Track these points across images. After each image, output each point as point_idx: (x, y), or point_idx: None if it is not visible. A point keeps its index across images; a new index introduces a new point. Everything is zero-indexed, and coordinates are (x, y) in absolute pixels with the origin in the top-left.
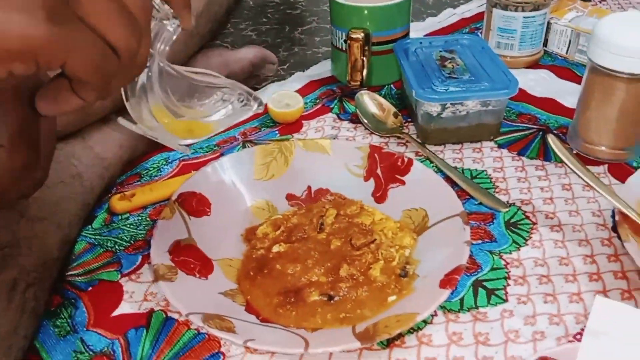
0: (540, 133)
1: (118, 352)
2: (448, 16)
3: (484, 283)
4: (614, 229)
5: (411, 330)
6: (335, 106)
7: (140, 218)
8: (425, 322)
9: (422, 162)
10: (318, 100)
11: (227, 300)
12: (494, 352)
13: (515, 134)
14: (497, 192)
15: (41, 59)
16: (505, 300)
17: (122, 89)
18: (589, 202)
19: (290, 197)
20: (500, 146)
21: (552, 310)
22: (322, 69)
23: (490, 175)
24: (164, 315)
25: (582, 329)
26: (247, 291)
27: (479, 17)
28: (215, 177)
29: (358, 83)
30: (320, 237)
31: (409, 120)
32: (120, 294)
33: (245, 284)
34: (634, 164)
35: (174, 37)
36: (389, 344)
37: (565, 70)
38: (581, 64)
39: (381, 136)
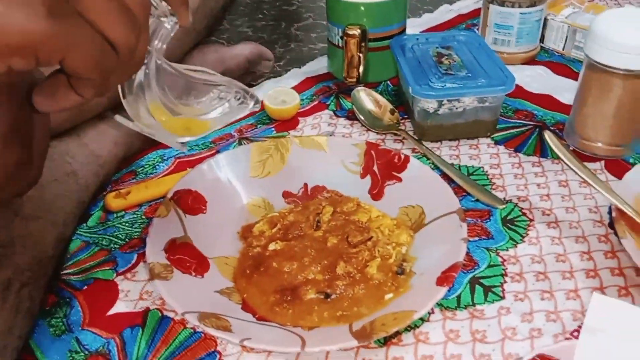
0: (537, 129)
1: (114, 352)
2: (445, 12)
3: (481, 280)
4: (611, 225)
5: (408, 328)
6: (332, 103)
7: (135, 216)
8: (422, 319)
9: (418, 158)
10: (314, 97)
11: (223, 299)
12: (491, 349)
13: (511, 131)
14: (493, 189)
15: (41, 54)
16: (502, 298)
17: (120, 87)
18: (585, 198)
19: (286, 195)
20: (497, 143)
21: (549, 307)
22: (319, 65)
23: (487, 171)
24: (160, 314)
25: (579, 326)
26: (243, 289)
27: (475, 13)
28: (211, 174)
29: (354, 79)
30: (316, 235)
31: (406, 116)
32: (116, 293)
33: (242, 282)
34: (631, 160)
35: (172, 34)
36: (386, 342)
37: (562, 66)
38: (578, 60)
39: (378, 133)
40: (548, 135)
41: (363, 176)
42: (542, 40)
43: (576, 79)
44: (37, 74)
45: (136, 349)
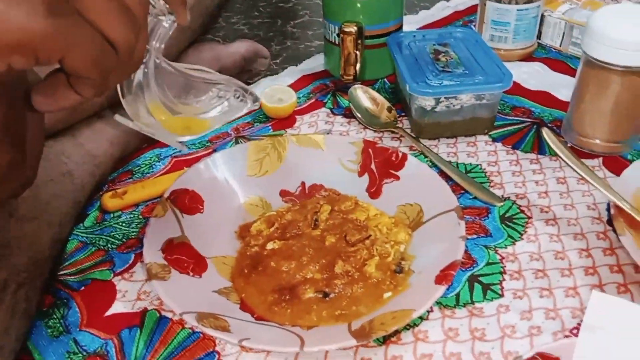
0: (535, 126)
1: (112, 353)
2: (441, 9)
3: (480, 278)
4: (609, 222)
5: (407, 327)
6: (329, 101)
7: (132, 216)
8: (421, 318)
9: (416, 156)
10: (311, 95)
11: (222, 299)
12: (490, 347)
13: (509, 128)
14: (491, 187)
15: (40, 53)
16: (501, 295)
17: (119, 86)
18: (584, 195)
19: (284, 194)
20: (494, 140)
21: (548, 305)
22: (315, 63)
23: (484, 169)
24: (158, 315)
25: (579, 324)
26: (241, 289)
27: (472, 9)
28: (207, 173)
29: (351, 77)
30: (314, 234)
31: (403, 114)
32: (113, 294)
33: (240, 282)
34: (629, 157)
35: (170, 33)
36: (385, 340)
37: (559, 62)
38: (575, 56)
39: (375, 131)
40: (546, 132)
41: (361, 174)
42: (539, 36)
43: (573, 76)
44: (29, 73)
45: (134, 349)
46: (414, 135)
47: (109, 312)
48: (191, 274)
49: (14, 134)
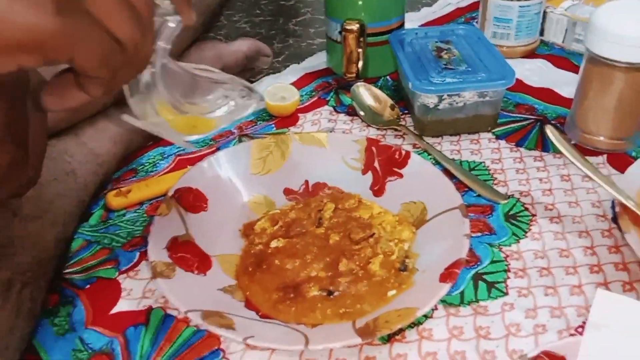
0: (538, 123)
1: (117, 350)
2: (443, 6)
3: (484, 276)
4: (614, 219)
5: (411, 325)
6: (332, 99)
7: (137, 214)
8: (425, 316)
9: (419, 154)
10: (314, 93)
11: (226, 297)
12: (495, 346)
13: (512, 125)
14: (495, 184)
15: (50, 52)
16: (506, 294)
17: (125, 86)
18: (588, 192)
19: (287, 192)
20: (498, 137)
21: (553, 303)
22: (317, 60)
23: (488, 166)
24: (163, 313)
25: (584, 322)
26: (246, 287)
27: (474, 6)
28: (211, 172)
29: (354, 75)
30: (318, 232)
31: (406, 112)
32: (118, 292)
33: (244, 280)
34: (633, 154)
35: (176, 33)
36: (389, 338)
37: (562, 59)
38: (578, 53)
39: (378, 128)
40: (549, 130)
41: (364, 172)
42: (541, 33)
43: (576, 72)
44: (31, 72)
45: (140, 347)
46: (417, 133)
47: (114, 310)
48: (196, 272)
49: (15, 133)
